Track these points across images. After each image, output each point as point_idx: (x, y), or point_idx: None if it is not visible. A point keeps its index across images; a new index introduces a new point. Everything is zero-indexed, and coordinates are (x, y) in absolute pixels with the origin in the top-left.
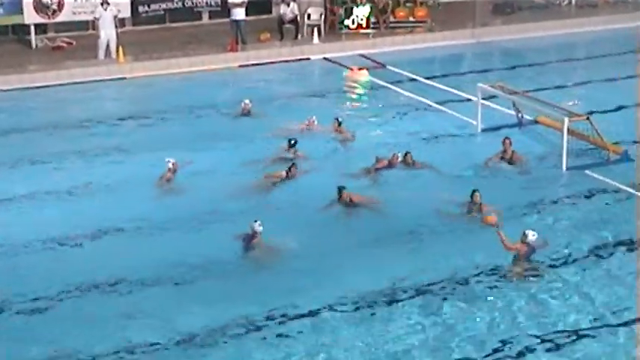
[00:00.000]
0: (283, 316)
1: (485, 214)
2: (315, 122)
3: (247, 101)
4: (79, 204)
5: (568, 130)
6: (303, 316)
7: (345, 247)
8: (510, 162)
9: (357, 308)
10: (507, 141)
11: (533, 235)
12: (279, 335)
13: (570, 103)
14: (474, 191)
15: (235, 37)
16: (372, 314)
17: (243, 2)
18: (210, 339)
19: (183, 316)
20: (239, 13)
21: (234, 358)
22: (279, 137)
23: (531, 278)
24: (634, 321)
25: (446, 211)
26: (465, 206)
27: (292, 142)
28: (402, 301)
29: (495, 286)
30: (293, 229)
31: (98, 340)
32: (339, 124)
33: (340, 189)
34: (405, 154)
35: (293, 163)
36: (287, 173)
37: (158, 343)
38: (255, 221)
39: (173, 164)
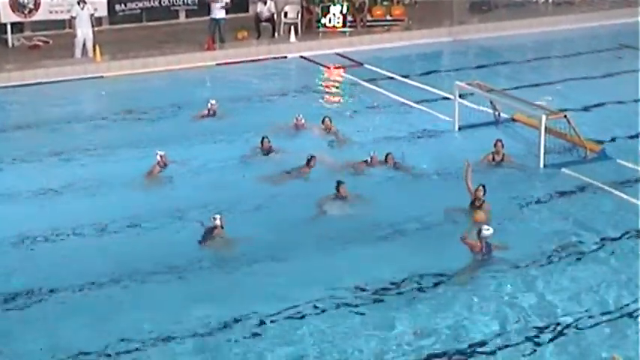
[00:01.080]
0: (264, 313)
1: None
2: (303, 120)
3: (213, 102)
4: (56, 202)
5: (545, 127)
6: (283, 312)
7: (330, 242)
8: (500, 163)
9: (339, 305)
10: (499, 143)
11: (487, 230)
12: (256, 333)
13: (543, 102)
14: (479, 185)
15: (212, 35)
16: (354, 312)
17: (224, 0)
18: (192, 337)
19: (163, 314)
20: (220, 12)
21: (210, 357)
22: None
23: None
24: (614, 318)
25: (451, 207)
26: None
27: (266, 139)
28: (391, 297)
29: (483, 283)
30: (278, 226)
31: (75, 339)
32: (330, 121)
33: (339, 183)
34: (386, 156)
35: (312, 156)
36: (307, 164)
37: (134, 340)
38: (215, 215)
39: (162, 157)
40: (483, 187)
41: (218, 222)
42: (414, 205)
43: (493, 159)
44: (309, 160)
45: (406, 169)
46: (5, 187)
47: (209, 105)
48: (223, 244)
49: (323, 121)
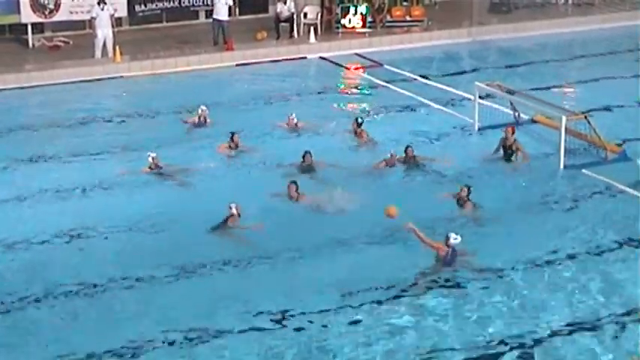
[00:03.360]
0: (279, 310)
1: (467, 209)
2: (296, 119)
3: (204, 107)
4: (74, 202)
5: (565, 128)
6: (297, 310)
7: (343, 241)
8: (511, 151)
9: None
10: (510, 129)
11: (455, 239)
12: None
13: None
14: (464, 186)
15: (216, 37)
16: (360, 310)
17: (227, 3)
18: (199, 336)
19: (157, 314)
20: (223, 14)
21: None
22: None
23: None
24: (635, 318)
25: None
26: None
27: (234, 134)
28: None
29: (484, 282)
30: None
31: (82, 340)
32: (359, 125)
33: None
34: (406, 149)
35: (307, 152)
36: (302, 161)
37: (142, 341)
38: (232, 204)
39: (153, 159)
40: (468, 188)
41: (234, 210)
42: (430, 205)
43: (503, 146)
44: (304, 157)
45: (425, 162)
46: (22, 186)
47: (199, 111)
48: (237, 234)
49: (352, 126)
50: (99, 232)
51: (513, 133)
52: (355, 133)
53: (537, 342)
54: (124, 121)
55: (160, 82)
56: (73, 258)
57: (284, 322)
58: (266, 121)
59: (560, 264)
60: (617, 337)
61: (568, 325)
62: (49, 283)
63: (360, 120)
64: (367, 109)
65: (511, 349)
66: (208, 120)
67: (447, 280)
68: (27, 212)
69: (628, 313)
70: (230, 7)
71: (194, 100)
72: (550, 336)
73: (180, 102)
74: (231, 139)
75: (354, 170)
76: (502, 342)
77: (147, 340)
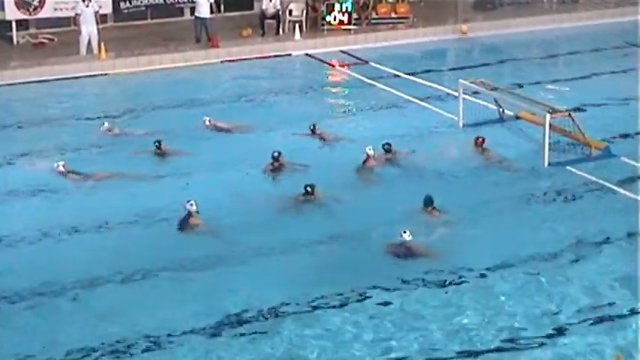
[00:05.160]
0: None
1: (435, 217)
2: (213, 122)
3: (106, 124)
4: (57, 201)
5: (550, 125)
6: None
7: (306, 243)
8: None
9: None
10: (479, 139)
11: (400, 236)
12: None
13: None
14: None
15: (198, 35)
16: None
17: (208, 0)
18: (180, 337)
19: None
20: (204, 11)
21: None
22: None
23: None
24: (619, 317)
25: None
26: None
27: (157, 142)
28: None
29: (481, 282)
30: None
31: (71, 340)
32: (315, 126)
33: (310, 187)
34: (387, 147)
35: (279, 152)
36: (272, 165)
37: (127, 341)
38: (188, 201)
39: (64, 166)
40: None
41: (193, 207)
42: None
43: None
44: (275, 159)
45: (407, 158)
46: (5, 184)
47: (104, 129)
48: (202, 231)
49: (313, 129)
50: (78, 230)
51: (482, 143)
52: (317, 135)
53: (519, 342)
54: (109, 118)
55: (146, 80)
56: (51, 256)
57: (262, 319)
58: (256, 118)
59: (543, 261)
60: (601, 335)
61: (551, 324)
62: (32, 281)
63: (313, 125)
64: (352, 106)
65: (493, 350)
66: (117, 131)
67: (430, 279)
68: (4, 210)
69: (612, 311)
70: (211, 4)
71: (180, 97)
72: (532, 336)
73: (167, 99)
74: (158, 147)
75: (327, 170)
76: (484, 342)
77: (123, 342)
